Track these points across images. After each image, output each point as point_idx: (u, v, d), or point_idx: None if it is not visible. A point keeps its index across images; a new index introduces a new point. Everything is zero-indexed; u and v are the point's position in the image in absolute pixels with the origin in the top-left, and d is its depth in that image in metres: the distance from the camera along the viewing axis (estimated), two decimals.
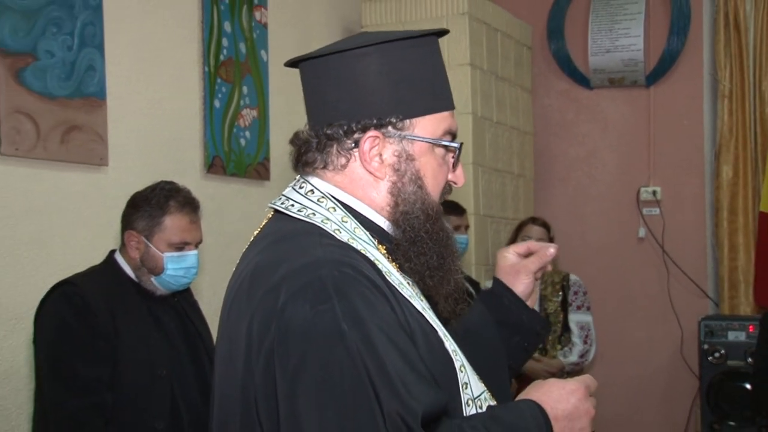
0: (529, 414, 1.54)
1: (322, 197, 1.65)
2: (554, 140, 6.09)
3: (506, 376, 1.89)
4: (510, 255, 1.97)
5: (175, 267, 3.00)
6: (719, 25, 5.64)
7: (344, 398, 1.37)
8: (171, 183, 3.10)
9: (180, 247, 3.00)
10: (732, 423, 5.08)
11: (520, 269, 1.95)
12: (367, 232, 1.64)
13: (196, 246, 3.07)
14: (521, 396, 1.62)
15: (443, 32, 1.75)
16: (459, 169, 1.73)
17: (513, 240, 5.00)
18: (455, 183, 1.74)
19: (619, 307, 5.78)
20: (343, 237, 1.58)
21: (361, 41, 1.66)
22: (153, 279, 3.02)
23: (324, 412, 1.37)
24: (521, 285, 1.94)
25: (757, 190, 5.50)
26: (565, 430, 1.56)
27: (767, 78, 5.52)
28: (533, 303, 2.00)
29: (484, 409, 1.61)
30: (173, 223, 3.00)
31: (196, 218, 3.08)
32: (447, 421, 1.46)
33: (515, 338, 1.94)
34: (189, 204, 3.05)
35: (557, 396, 1.58)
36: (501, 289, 1.96)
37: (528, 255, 1.97)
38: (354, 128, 1.64)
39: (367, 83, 1.64)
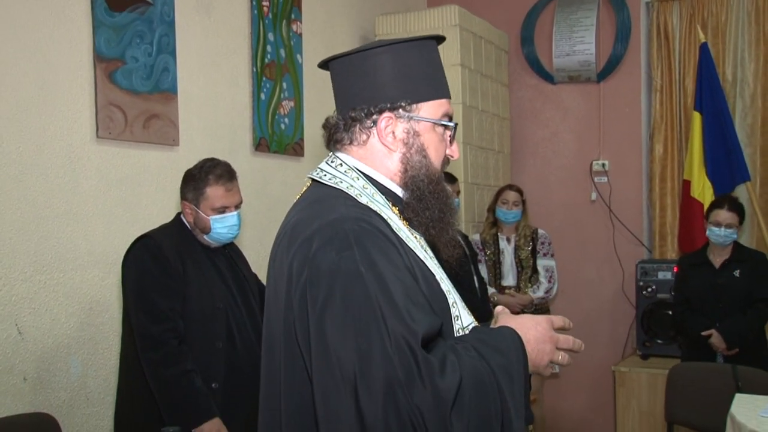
0: (509, 336, 1.52)
1: (349, 169, 1.64)
2: (526, 124, 6.03)
3: None
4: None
5: (220, 226, 2.98)
6: (653, 35, 5.58)
7: (360, 322, 1.37)
8: (212, 160, 3.06)
9: (221, 210, 2.98)
10: (659, 341, 5.11)
11: None
12: (383, 196, 1.63)
13: (236, 208, 3.04)
14: (497, 325, 1.60)
15: (441, 38, 1.73)
16: (455, 145, 1.72)
17: (495, 201, 5.00)
18: (452, 156, 1.72)
19: (576, 254, 5.75)
20: (363, 200, 1.57)
21: (376, 44, 1.65)
22: (204, 236, 3.02)
23: (345, 332, 1.37)
24: None
25: (681, 163, 5.45)
26: (534, 351, 1.54)
27: (689, 76, 5.45)
28: None
29: None
30: (213, 193, 2.97)
31: (231, 186, 3.03)
32: (442, 342, 1.46)
33: None
34: (224, 176, 3.01)
35: (528, 325, 1.57)
36: None
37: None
38: (372, 111, 1.63)
39: (382, 76, 1.63)
